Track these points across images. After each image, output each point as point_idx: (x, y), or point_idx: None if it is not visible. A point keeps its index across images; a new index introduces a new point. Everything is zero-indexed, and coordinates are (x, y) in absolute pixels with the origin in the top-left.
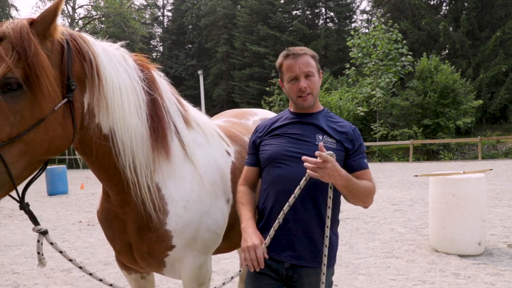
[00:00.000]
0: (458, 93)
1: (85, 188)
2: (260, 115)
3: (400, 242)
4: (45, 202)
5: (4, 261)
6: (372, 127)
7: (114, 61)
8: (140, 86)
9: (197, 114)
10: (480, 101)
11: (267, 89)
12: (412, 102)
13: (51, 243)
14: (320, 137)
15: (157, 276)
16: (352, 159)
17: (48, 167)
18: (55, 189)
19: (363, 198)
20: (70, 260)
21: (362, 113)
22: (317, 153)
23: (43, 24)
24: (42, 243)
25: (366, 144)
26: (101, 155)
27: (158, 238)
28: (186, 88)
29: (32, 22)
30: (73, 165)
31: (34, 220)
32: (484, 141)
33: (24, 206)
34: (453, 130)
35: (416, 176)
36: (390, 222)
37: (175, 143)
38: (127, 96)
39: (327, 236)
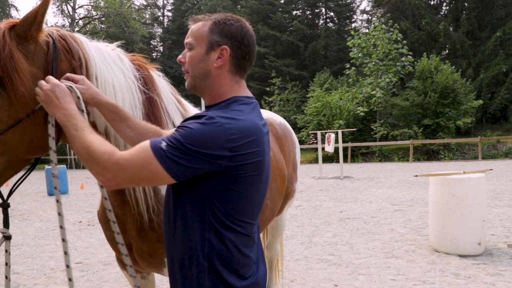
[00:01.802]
0: (458, 93)
1: (85, 188)
2: None
3: (400, 242)
4: (45, 202)
5: (4, 261)
6: (372, 127)
7: (108, 60)
8: (136, 85)
9: (195, 112)
10: (480, 101)
11: (267, 89)
12: (412, 102)
13: (6, 251)
14: None
15: (157, 276)
16: None
17: (47, 167)
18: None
19: (79, 156)
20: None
21: (362, 113)
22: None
23: (24, 27)
24: (7, 251)
25: (366, 144)
26: None
27: (158, 238)
28: (186, 88)
29: (13, 25)
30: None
31: (6, 222)
32: (484, 141)
33: (4, 205)
34: (453, 130)
35: (416, 176)
36: (390, 222)
37: None
38: (122, 95)
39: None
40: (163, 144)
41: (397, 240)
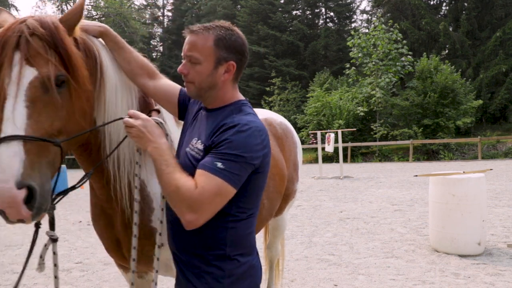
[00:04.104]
0: (458, 93)
1: (85, 188)
2: (260, 115)
3: (400, 242)
4: None
5: (4, 261)
6: (372, 127)
7: (111, 58)
8: (133, 85)
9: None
10: (480, 101)
11: (267, 89)
12: (412, 102)
13: (54, 253)
14: (194, 142)
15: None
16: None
17: None
18: (55, 189)
19: (166, 191)
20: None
21: (362, 113)
22: (130, 112)
23: (68, 24)
24: (47, 249)
25: (366, 144)
26: (89, 147)
27: (145, 235)
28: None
29: (60, 20)
30: (73, 165)
31: (52, 224)
32: (484, 141)
33: (53, 207)
34: (453, 130)
35: (416, 176)
36: (390, 222)
37: None
38: (121, 93)
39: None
40: (219, 164)
41: (397, 240)
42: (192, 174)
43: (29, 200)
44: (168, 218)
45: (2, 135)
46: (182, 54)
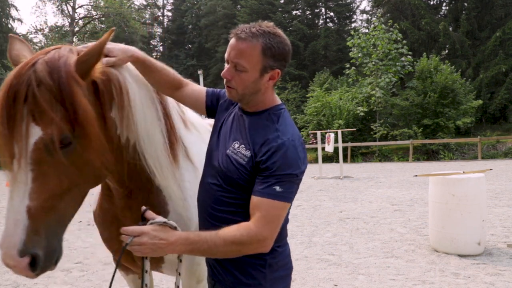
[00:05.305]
0: (458, 93)
1: None
2: None
3: (400, 242)
4: None
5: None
6: (372, 127)
7: (134, 73)
8: (157, 99)
9: (191, 114)
10: (480, 101)
11: None
12: (412, 102)
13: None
14: (236, 145)
15: (157, 276)
16: (259, 180)
17: None
18: None
19: (232, 254)
20: None
21: (362, 113)
22: (129, 228)
23: (85, 67)
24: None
25: (366, 144)
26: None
27: None
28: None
29: (77, 62)
30: None
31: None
32: (484, 141)
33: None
34: (453, 130)
35: (416, 176)
36: (390, 222)
37: (179, 145)
38: (149, 110)
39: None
40: (277, 189)
41: (396, 240)
42: (236, 176)
43: (33, 264)
44: (202, 215)
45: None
46: (226, 57)
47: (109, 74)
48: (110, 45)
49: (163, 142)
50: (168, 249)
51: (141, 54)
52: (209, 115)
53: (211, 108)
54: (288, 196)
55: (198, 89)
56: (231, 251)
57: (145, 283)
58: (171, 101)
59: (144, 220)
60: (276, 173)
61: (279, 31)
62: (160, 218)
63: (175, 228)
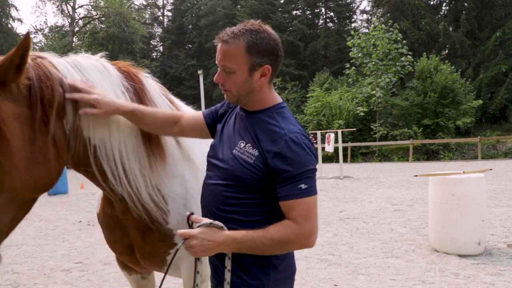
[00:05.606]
0: (458, 93)
1: (85, 188)
2: None
3: (400, 242)
4: (45, 202)
5: (4, 261)
6: (372, 127)
7: (91, 73)
8: (126, 96)
9: (190, 112)
10: (480, 101)
11: None
12: (412, 102)
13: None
14: (242, 145)
15: (157, 276)
16: (281, 184)
17: None
18: (55, 189)
19: (281, 251)
20: None
21: (362, 113)
22: (179, 232)
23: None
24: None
25: (366, 144)
26: (97, 169)
27: (161, 237)
28: (186, 88)
29: None
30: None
31: None
32: (484, 141)
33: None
34: (453, 130)
35: (416, 176)
36: (390, 222)
37: (170, 144)
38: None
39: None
40: (303, 186)
41: (396, 240)
42: (245, 175)
43: None
44: (207, 217)
45: None
46: (216, 62)
47: (52, 75)
48: (99, 96)
49: (133, 143)
50: (218, 249)
51: (129, 105)
52: (213, 136)
53: (213, 127)
54: (313, 189)
55: (194, 116)
56: (278, 249)
57: (196, 283)
58: (159, 100)
59: (191, 225)
60: (295, 173)
61: (265, 27)
62: (206, 220)
63: (221, 228)
